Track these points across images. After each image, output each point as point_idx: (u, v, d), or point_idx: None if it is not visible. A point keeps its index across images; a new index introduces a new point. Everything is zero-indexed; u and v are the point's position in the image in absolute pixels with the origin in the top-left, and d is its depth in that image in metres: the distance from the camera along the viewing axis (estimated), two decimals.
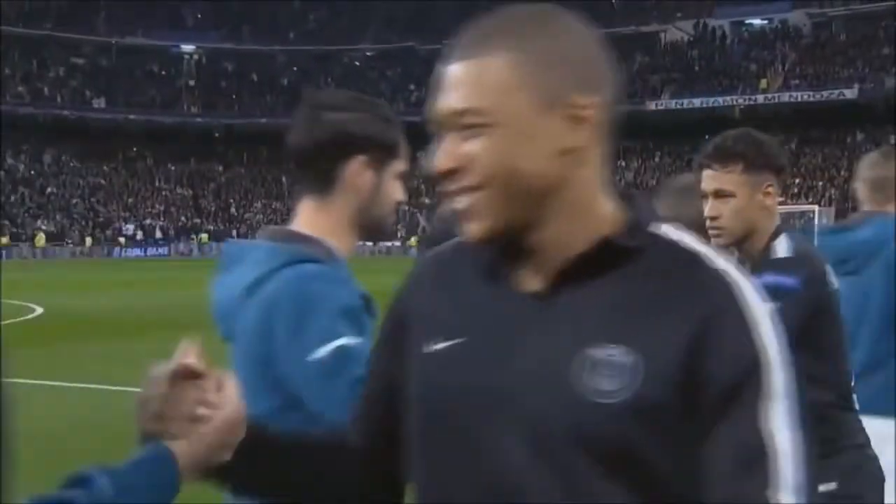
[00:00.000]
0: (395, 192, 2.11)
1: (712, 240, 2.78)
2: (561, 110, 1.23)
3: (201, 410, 1.28)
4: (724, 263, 1.26)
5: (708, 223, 2.76)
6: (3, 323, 17.20)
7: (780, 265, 2.64)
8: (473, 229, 1.26)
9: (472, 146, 1.23)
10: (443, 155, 1.26)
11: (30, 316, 19.16)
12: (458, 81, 1.24)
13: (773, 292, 2.54)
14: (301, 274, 1.95)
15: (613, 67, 1.30)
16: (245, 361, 1.97)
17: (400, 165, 2.10)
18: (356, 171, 2.04)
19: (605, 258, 1.25)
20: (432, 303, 1.36)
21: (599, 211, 1.28)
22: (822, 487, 2.54)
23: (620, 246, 1.25)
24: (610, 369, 1.20)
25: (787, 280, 2.59)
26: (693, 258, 1.26)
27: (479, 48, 1.24)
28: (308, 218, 2.07)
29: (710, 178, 2.76)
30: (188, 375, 1.29)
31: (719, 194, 2.73)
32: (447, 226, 2.35)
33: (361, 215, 2.08)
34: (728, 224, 2.73)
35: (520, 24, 1.26)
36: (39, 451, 6.26)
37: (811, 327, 2.59)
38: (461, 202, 1.26)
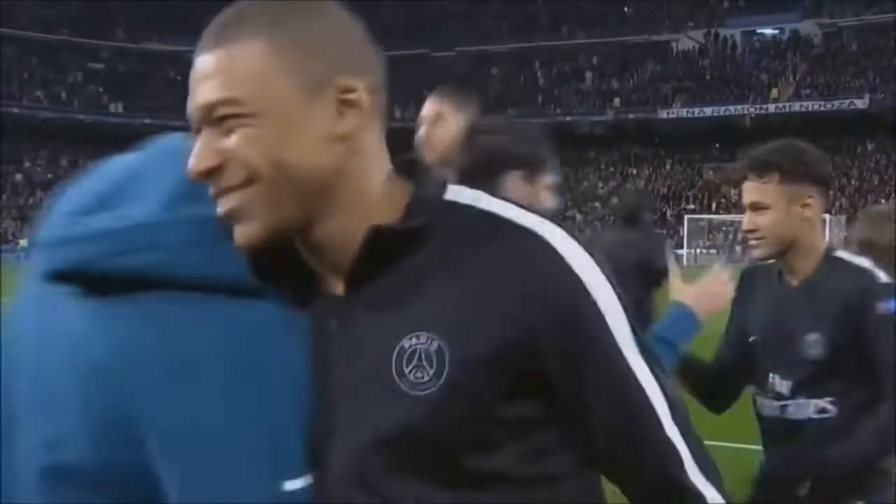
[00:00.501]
0: (547, 201, 2.36)
1: (753, 253, 2.71)
2: (326, 95, 1.13)
3: None
4: (530, 218, 1.15)
5: (745, 236, 2.70)
6: None
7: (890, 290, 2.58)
8: (242, 233, 1.13)
9: (231, 141, 1.11)
10: (199, 154, 1.12)
11: None
12: (211, 72, 1.12)
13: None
14: None
15: (378, 51, 1.20)
16: None
17: (549, 178, 2.36)
18: (514, 184, 2.28)
19: (391, 244, 1.14)
20: None
21: (380, 197, 1.17)
22: None
23: (399, 230, 1.14)
24: (419, 358, 1.10)
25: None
26: (491, 220, 1.15)
27: (230, 36, 1.13)
28: None
29: (747, 190, 2.68)
30: None
31: (756, 206, 2.65)
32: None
33: None
34: (766, 236, 2.65)
35: (273, 8, 1.15)
36: None
37: None
38: (225, 203, 1.12)
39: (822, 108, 59.46)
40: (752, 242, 2.67)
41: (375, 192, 1.17)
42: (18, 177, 64.80)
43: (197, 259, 1.11)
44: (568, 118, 64.21)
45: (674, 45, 70.27)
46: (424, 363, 1.10)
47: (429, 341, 1.10)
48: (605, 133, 65.86)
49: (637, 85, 68.41)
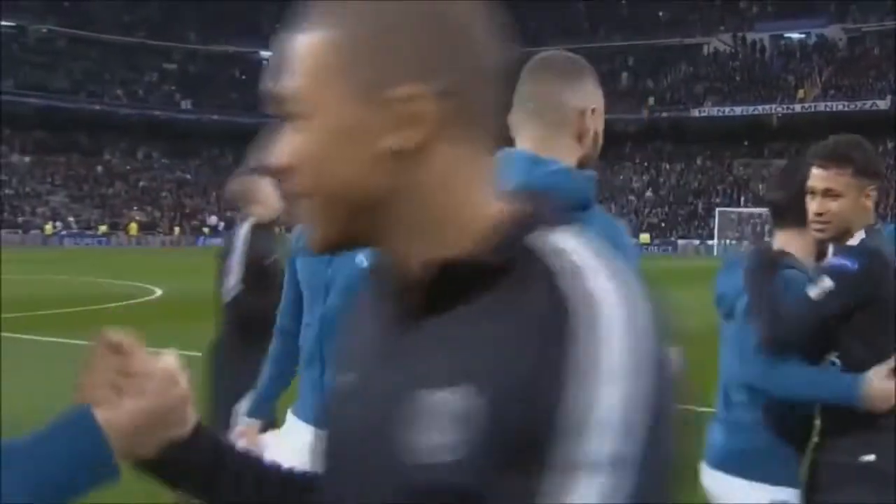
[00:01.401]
0: None
1: (815, 234, 2.83)
2: (384, 102, 0.88)
3: (122, 381, 1.04)
4: (589, 282, 0.83)
5: (813, 218, 2.80)
6: (131, 303, 17.78)
7: (845, 250, 2.73)
8: (309, 240, 0.95)
9: (296, 142, 0.91)
10: (274, 149, 0.93)
11: (152, 297, 19.78)
12: (285, 58, 0.93)
13: (829, 271, 2.65)
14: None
15: (490, 42, 0.92)
16: (742, 335, 2.72)
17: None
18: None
19: (457, 280, 0.88)
20: (349, 326, 1.06)
21: (461, 221, 0.90)
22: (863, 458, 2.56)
23: (467, 266, 0.88)
24: (442, 419, 0.83)
25: (846, 262, 2.65)
26: (544, 276, 0.85)
27: (306, 22, 0.92)
28: (788, 243, 2.86)
29: (821, 178, 2.78)
30: (112, 350, 1.05)
31: (829, 193, 2.77)
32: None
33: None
34: (833, 220, 2.78)
35: None
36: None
37: (861, 310, 2.63)
38: (298, 206, 0.94)
39: (846, 109, 58.52)
40: (818, 227, 2.80)
41: (451, 215, 0.90)
42: (99, 168, 65.80)
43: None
44: (605, 116, 63.79)
45: (705, 47, 69.52)
46: (447, 424, 0.83)
47: (463, 397, 0.82)
48: (639, 131, 65.34)
49: (670, 85, 67.75)
